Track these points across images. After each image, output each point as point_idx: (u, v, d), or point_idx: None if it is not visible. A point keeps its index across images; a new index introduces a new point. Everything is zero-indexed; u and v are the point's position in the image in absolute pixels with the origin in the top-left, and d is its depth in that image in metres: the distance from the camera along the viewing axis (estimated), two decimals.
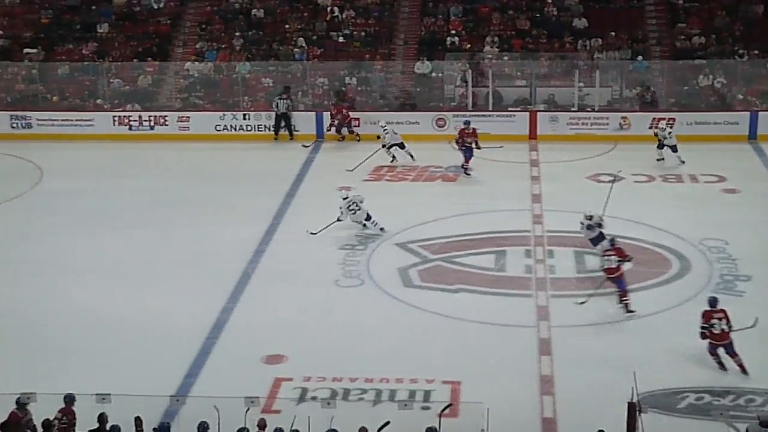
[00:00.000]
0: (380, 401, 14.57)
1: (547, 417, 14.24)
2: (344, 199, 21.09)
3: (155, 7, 33.25)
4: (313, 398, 14.40)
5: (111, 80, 30.58)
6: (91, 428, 12.67)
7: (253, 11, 32.52)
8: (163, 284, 18.82)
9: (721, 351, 15.20)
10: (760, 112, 27.53)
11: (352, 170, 24.91)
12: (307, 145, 27.61)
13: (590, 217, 19.25)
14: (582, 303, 17.52)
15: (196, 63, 31.02)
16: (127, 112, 29.58)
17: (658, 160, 25.38)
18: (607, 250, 17.65)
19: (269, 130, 28.63)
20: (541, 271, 19.13)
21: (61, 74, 30.84)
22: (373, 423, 12.50)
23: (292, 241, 20.87)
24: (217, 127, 28.89)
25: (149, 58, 31.26)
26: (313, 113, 28.73)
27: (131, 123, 29.22)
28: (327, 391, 14.85)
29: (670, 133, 25.43)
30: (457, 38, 30.96)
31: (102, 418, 12.60)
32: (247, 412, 12.45)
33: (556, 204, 22.54)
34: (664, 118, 27.20)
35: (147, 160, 27.12)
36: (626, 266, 17.42)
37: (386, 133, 25.88)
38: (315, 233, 20.76)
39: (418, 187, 24.50)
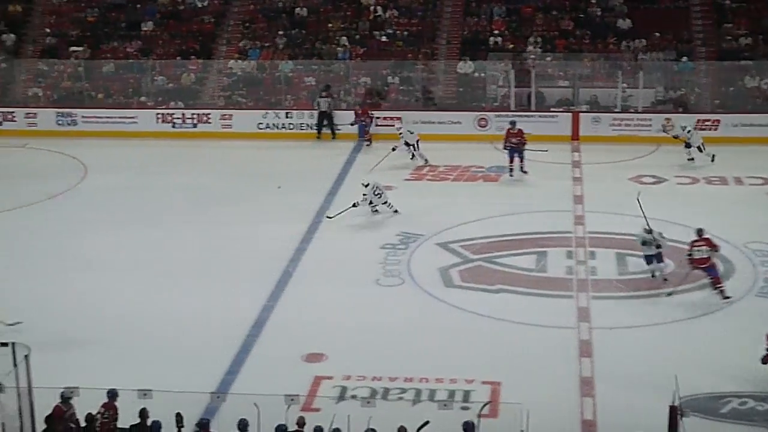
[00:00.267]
0: (420, 401, 14.56)
1: (587, 419, 14.16)
2: (366, 185, 21.73)
3: (199, 5, 33.39)
4: (353, 397, 14.41)
5: (155, 78, 30.84)
6: (133, 423, 12.78)
7: (297, 10, 32.58)
8: (204, 281, 18.93)
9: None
10: None
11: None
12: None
13: (649, 231, 18.25)
14: (669, 295, 17.70)
15: (239, 61, 31.16)
16: (170, 109, 29.80)
17: (688, 160, 25.17)
18: (695, 241, 17.64)
19: (311, 128, 28.71)
20: (582, 273, 19.03)
21: (106, 72, 31.17)
22: (413, 423, 12.48)
23: (334, 239, 20.95)
24: (260, 125, 29.01)
25: (193, 57, 31.44)
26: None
27: (174, 121, 29.47)
28: (366, 390, 14.86)
29: (689, 132, 25.13)
30: (500, 38, 30.83)
31: (143, 414, 12.69)
32: (287, 409, 12.46)
33: (597, 205, 22.42)
34: (708, 120, 27.02)
35: (189, 158, 27.29)
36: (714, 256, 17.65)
37: (400, 133, 25.94)
38: (332, 217, 21.33)
39: (459, 187, 24.46)
